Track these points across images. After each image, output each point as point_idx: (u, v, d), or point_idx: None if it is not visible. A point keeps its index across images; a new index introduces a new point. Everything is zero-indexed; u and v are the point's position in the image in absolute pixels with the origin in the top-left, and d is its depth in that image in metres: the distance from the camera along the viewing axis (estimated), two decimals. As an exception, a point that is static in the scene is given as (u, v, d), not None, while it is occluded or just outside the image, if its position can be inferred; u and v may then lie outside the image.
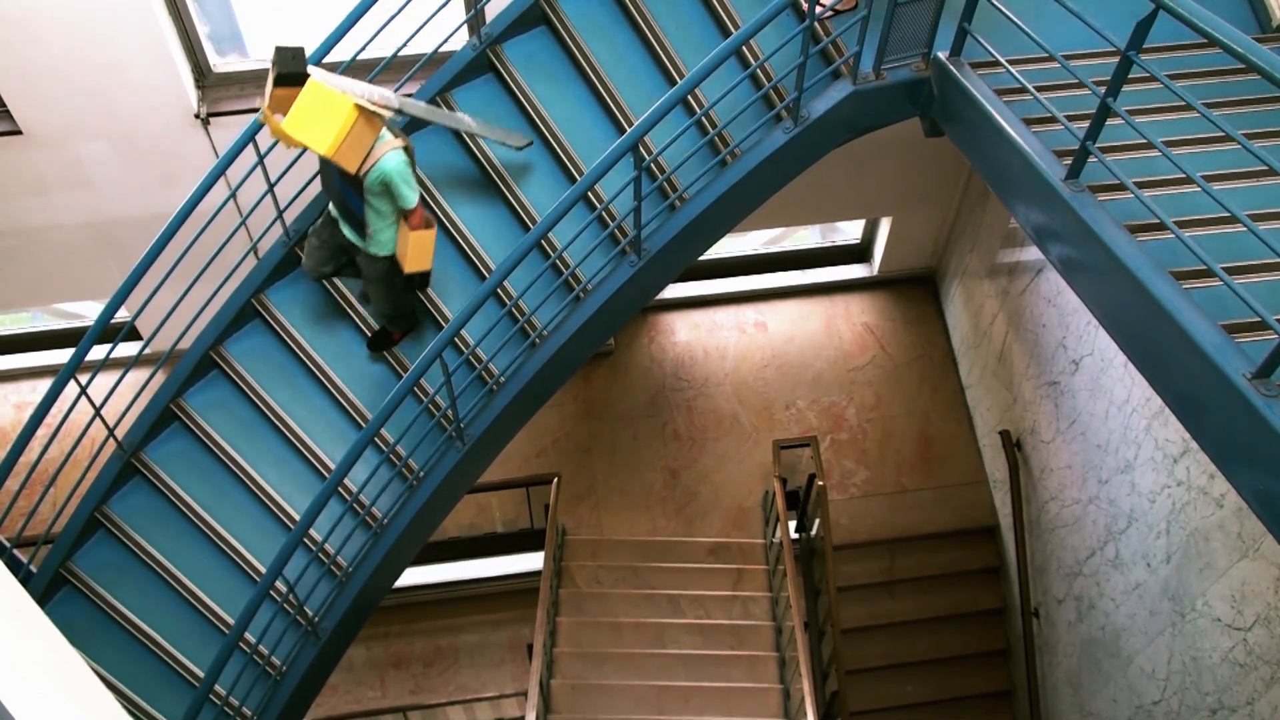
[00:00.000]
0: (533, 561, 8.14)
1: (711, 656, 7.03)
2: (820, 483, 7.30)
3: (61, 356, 8.04)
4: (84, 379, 4.71)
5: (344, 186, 4.36)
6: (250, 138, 4.61)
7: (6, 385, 8.17)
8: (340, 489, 4.65)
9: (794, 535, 8.06)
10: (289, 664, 4.89)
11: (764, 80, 4.70)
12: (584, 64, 4.95)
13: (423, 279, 4.62)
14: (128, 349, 7.28)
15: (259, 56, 6.06)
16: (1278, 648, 4.61)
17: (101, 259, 6.76)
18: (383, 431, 4.79)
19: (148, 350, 5.04)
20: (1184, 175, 3.26)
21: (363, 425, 5.06)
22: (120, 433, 5.03)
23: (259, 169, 4.71)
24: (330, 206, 4.65)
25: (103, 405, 4.78)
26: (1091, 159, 3.58)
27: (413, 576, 8.08)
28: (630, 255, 4.80)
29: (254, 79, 6.01)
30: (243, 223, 4.89)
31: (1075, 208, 3.58)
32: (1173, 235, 3.25)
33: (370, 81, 4.96)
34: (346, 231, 4.59)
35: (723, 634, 7.18)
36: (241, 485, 5.13)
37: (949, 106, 4.41)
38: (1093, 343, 6.14)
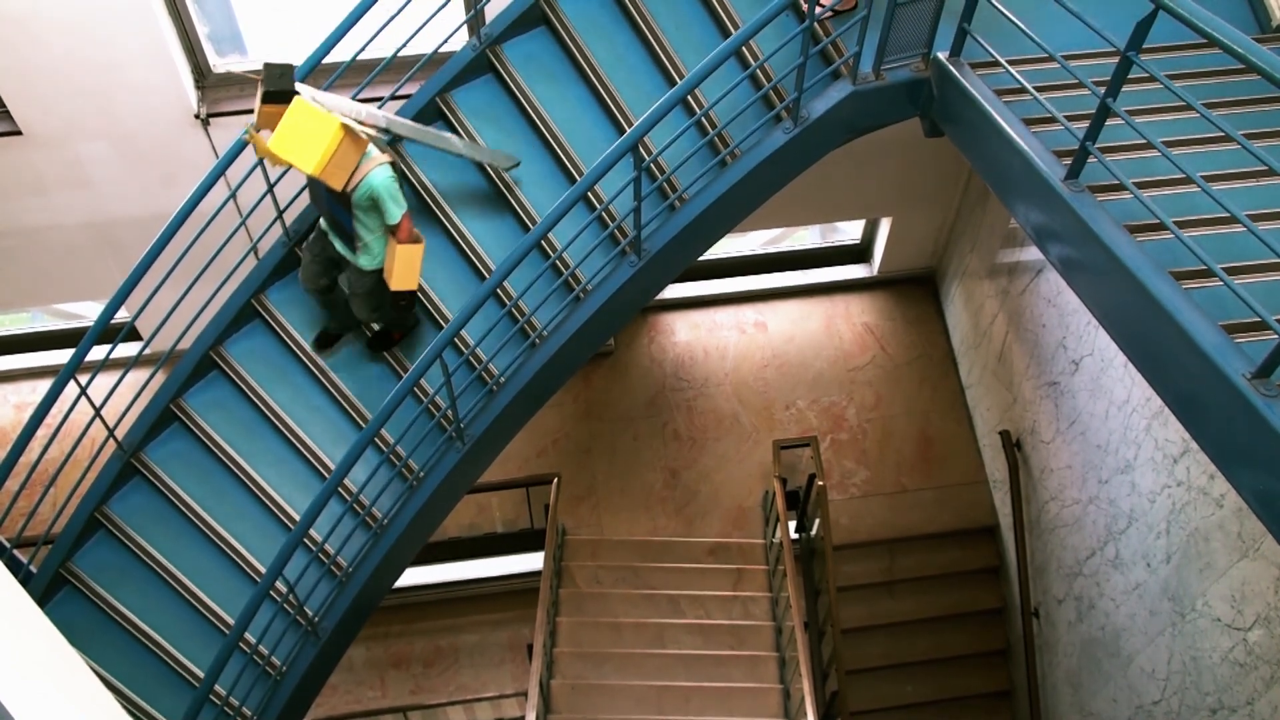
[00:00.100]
0: (533, 561, 8.14)
1: (711, 656, 7.03)
2: (820, 483, 7.30)
3: (61, 357, 8.03)
4: (84, 379, 4.71)
5: (331, 202, 4.38)
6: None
7: (6, 385, 8.17)
8: (340, 489, 4.65)
9: (794, 535, 8.06)
10: (289, 664, 4.89)
11: (764, 80, 4.69)
12: (584, 64, 4.95)
13: (409, 299, 4.61)
14: (128, 349, 7.27)
15: (259, 57, 6.05)
16: (1278, 648, 4.61)
17: (101, 259, 6.76)
18: (383, 432, 4.79)
19: (148, 350, 5.05)
20: (1184, 175, 3.26)
21: (363, 425, 5.06)
22: (120, 433, 5.03)
23: (259, 169, 4.71)
24: (320, 220, 4.67)
25: (103, 405, 4.78)
26: (1091, 159, 3.58)
27: (413, 576, 8.07)
28: (630, 255, 4.80)
29: (254, 80, 5.99)
30: (242, 223, 4.89)
31: (1075, 208, 3.58)
32: (1172, 235, 3.25)
33: (370, 82, 4.98)
34: (336, 244, 4.61)
35: (723, 634, 7.18)
36: (241, 485, 5.12)
37: (949, 107, 4.41)
38: (1093, 343, 6.14)
